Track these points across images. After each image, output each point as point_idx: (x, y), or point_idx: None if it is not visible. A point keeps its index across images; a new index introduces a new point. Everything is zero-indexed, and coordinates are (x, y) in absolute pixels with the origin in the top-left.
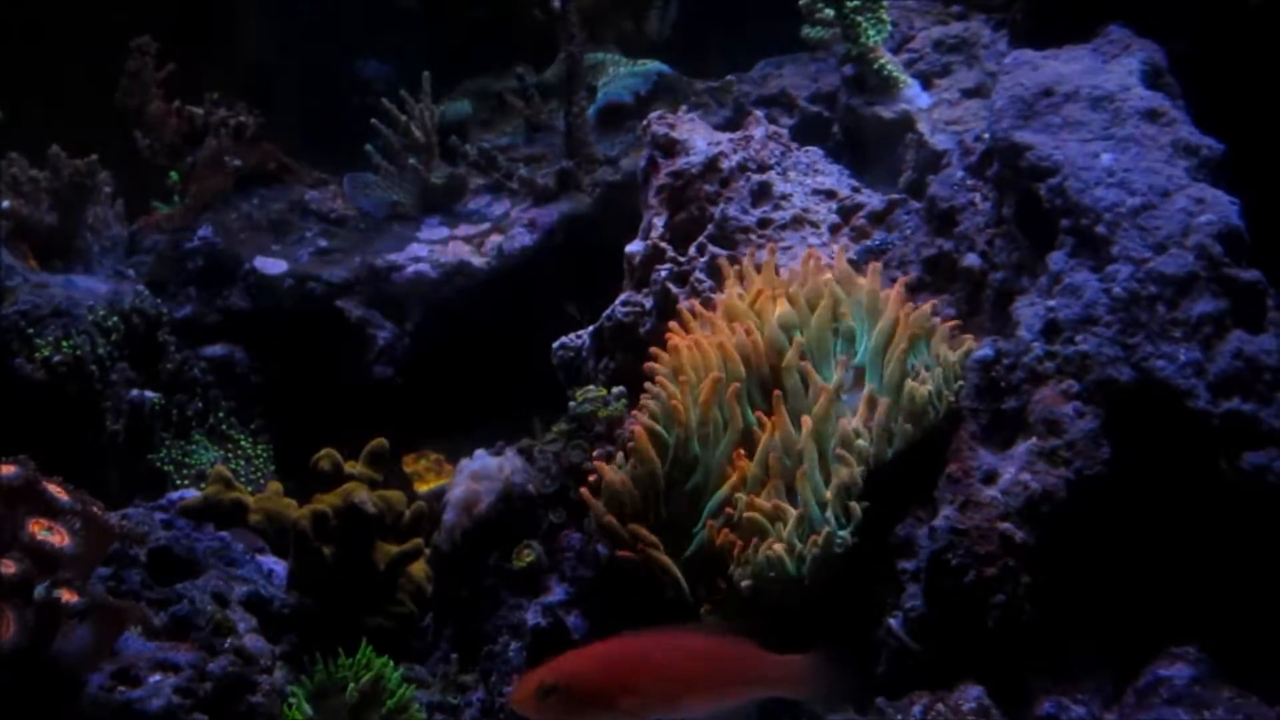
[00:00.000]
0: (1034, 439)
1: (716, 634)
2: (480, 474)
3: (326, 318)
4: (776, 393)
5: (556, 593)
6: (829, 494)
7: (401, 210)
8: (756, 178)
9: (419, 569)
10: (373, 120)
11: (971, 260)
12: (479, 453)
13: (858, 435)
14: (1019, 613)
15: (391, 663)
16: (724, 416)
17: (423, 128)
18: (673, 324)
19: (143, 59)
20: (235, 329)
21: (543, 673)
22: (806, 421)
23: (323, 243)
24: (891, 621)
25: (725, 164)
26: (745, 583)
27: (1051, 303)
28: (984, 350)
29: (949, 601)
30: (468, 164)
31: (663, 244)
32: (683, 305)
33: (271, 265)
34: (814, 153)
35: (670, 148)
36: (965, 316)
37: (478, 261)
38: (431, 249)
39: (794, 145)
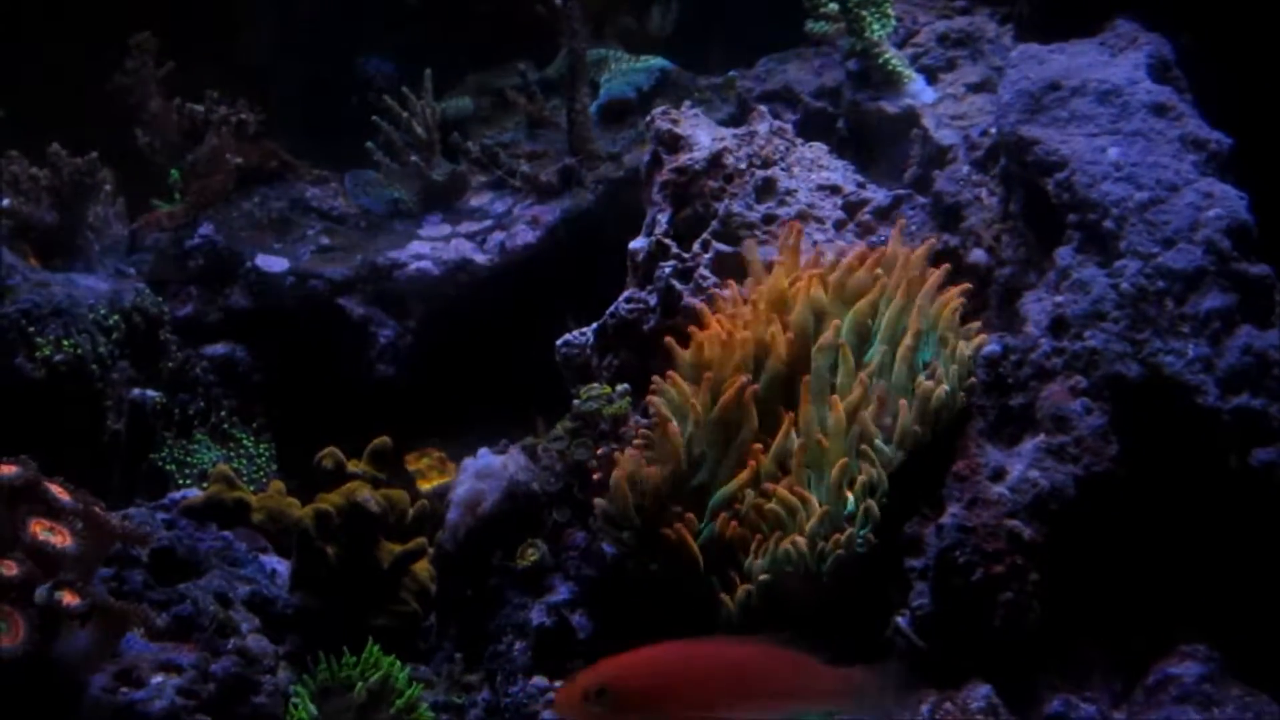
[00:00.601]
0: (1042, 435)
1: (769, 644)
2: (484, 472)
3: (328, 316)
4: (804, 378)
5: (561, 592)
6: (850, 493)
7: (403, 207)
8: (761, 173)
9: (423, 568)
10: (374, 117)
11: (978, 256)
12: (482, 451)
13: (876, 436)
14: (1027, 610)
15: (399, 661)
16: (738, 419)
17: (424, 124)
18: (703, 307)
19: (143, 57)
20: (237, 327)
21: (589, 675)
22: (839, 407)
23: (324, 240)
24: (899, 620)
25: (729, 160)
26: (763, 576)
27: (1059, 298)
28: (991, 346)
29: (957, 599)
30: (469, 161)
31: (666, 240)
32: (691, 301)
33: (273, 263)
34: (818, 148)
35: (674, 144)
36: (972, 312)
37: (480, 258)
38: (433, 246)
39: (798, 141)
